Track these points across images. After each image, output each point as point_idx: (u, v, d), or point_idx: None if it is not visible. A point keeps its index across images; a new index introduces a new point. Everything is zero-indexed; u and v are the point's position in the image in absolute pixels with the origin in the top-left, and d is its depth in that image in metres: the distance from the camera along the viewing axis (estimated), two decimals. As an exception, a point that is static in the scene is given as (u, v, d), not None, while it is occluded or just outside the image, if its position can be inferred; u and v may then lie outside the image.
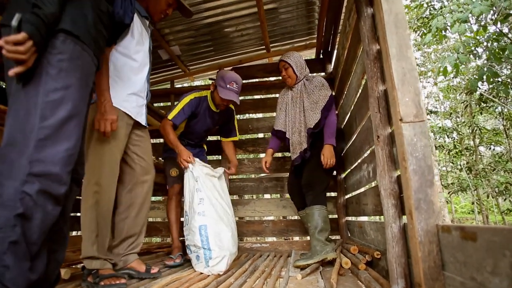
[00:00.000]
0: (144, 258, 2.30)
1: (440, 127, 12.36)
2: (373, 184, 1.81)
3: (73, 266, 1.83)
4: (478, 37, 4.48)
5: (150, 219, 4.54)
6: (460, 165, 12.56)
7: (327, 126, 2.19)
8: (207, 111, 2.33)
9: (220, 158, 3.07)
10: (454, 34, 4.13)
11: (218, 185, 2.04)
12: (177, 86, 3.68)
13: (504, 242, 0.66)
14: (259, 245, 2.86)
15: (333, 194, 2.96)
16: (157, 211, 3.22)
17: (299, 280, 1.57)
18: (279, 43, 3.21)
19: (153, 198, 3.24)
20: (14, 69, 0.86)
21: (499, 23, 4.31)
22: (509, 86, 4.97)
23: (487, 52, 4.30)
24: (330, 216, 2.75)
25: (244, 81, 3.29)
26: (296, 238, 3.04)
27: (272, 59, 3.36)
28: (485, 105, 9.12)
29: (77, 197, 1.25)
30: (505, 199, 10.66)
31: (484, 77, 4.01)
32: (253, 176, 4.13)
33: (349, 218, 2.70)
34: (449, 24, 4.12)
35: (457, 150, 12.05)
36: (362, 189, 2.11)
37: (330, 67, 3.06)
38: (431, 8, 7.92)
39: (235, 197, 3.17)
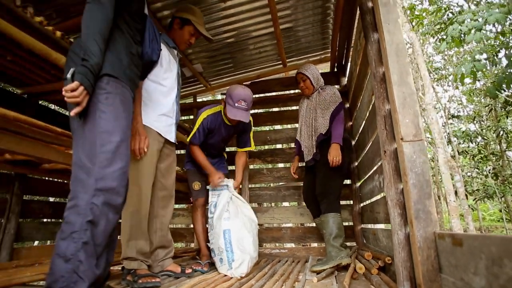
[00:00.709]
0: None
1: (463, 132, 12.03)
2: (384, 194, 1.93)
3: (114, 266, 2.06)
4: (499, 40, 4.44)
5: (174, 226, 4.77)
6: (486, 171, 12.14)
7: (334, 128, 2.33)
8: (222, 125, 2.39)
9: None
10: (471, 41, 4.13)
11: (239, 196, 2.24)
12: (199, 100, 3.92)
13: (480, 247, 0.79)
14: (278, 251, 3.00)
15: (348, 202, 3.06)
16: (181, 218, 3.43)
17: (315, 283, 1.71)
18: (294, 57, 3.39)
19: (177, 206, 3.47)
20: (73, 110, 1.09)
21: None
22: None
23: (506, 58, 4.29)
24: (346, 224, 2.88)
25: (261, 95, 3.50)
26: (314, 244, 3.15)
27: (288, 73, 3.53)
28: (511, 108, 8.84)
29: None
30: (535, 207, 10.21)
31: (504, 84, 4.01)
32: (271, 185, 4.28)
33: (364, 226, 2.80)
34: (464, 32, 4.15)
35: (482, 155, 11.68)
36: (375, 198, 2.23)
37: (344, 80, 3.19)
38: (449, 13, 7.87)
39: (255, 205, 3.34)
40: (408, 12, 9.04)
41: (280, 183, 3.28)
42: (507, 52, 4.32)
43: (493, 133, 11.22)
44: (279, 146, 4.16)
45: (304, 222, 3.16)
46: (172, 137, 1.95)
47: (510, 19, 4.13)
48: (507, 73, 4.06)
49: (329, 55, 3.34)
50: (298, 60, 3.43)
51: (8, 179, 2.08)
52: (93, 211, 1.04)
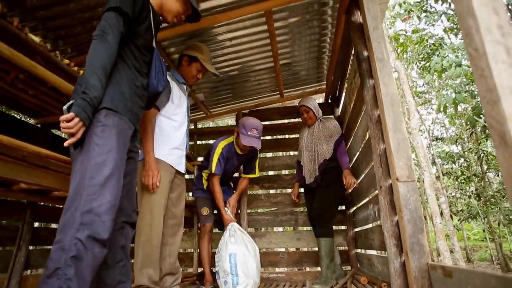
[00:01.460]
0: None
1: (447, 153, 12.49)
2: (378, 222, 2.09)
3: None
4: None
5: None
6: (469, 192, 12.54)
7: (341, 157, 2.63)
8: (235, 155, 2.69)
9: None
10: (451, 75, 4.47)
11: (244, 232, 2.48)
12: (199, 126, 4.07)
13: (466, 279, 0.95)
14: (275, 275, 3.09)
15: (343, 227, 3.21)
16: (181, 242, 3.48)
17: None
18: (291, 89, 3.61)
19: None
20: (68, 140, 1.10)
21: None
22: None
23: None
24: (341, 248, 3.02)
25: (259, 123, 3.69)
26: (310, 269, 3.26)
27: (285, 103, 3.75)
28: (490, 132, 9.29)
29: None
30: (516, 227, 10.55)
31: (482, 114, 4.33)
32: (269, 210, 4.40)
33: (359, 250, 2.94)
34: (445, 66, 4.50)
35: (465, 177, 12.09)
36: (370, 226, 2.39)
37: (338, 111, 3.42)
38: (431, 44, 8.39)
39: (252, 229, 3.44)
40: (394, 40, 9.58)
41: (273, 208, 3.40)
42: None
43: (475, 155, 11.67)
44: (276, 173, 4.33)
45: (300, 247, 3.27)
46: (182, 168, 2.08)
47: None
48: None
49: (323, 86, 3.58)
50: (294, 91, 3.66)
51: (21, 207, 2.14)
52: (77, 247, 1.02)
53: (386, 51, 1.58)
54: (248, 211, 3.30)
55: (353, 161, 2.73)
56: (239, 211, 3.23)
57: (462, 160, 12.50)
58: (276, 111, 3.62)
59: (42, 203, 2.31)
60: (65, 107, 1.11)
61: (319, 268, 3.13)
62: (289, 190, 3.29)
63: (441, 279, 1.14)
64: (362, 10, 1.79)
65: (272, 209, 3.37)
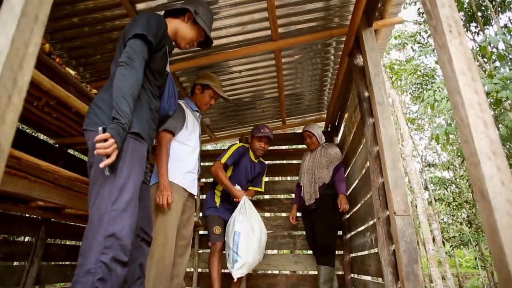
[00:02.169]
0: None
1: (439, 179, 12.72)
2: (375, 250, 2.21)
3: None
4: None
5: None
6: (461, 218, 12.69)
7: (339, 183, 2.82)
8: (249, 161, 2.87)
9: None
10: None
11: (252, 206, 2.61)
12: (203, 149, 4.22)
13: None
14: (273, 298, 3.16)
15: (339, 252, 3.32)
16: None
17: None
18: (293, 117, 3.81)
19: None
20: (104, 161, 1.13)
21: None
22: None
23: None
24: (337, 273, 3.12)
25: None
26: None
27: (286, 130, 3.94)
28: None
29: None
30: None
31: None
32: (268, 232, 4.50)
33: (354, 276, 3.04)
34: (437, 100, 4.75)
35: (456, 203, 12.27)
36: (367, 252, 2.52)
37: (337, 140, 3.60)
38: (424, 75, 8.77)
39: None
40: (388, 69, 10.00)
41: (271, 232, 3.51)
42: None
43: (466, 182, 11.90)
44: (276, 196, 4.45)
45: (297, 270, 3.36)
46: (195, 191, 2.19)
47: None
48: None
49: (323, 116, 3.79)
50: (296, 118, 3.86)
51: (36, 224, 2.23)
52: (102, 269, 1.09)
53: (386, 95, 1.77)
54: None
55: (351, 189, 2.88)
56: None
57: (453, 186, 12.73)
58: (278, 137, 3.79)
59: (54, 220, 2.40)
60: (100, 128, 1.14)
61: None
62: (289, 214, 3.41)
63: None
64: (364, 56, 2.00)
65: (271, 232, 3.47)
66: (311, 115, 3.84)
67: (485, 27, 8.27)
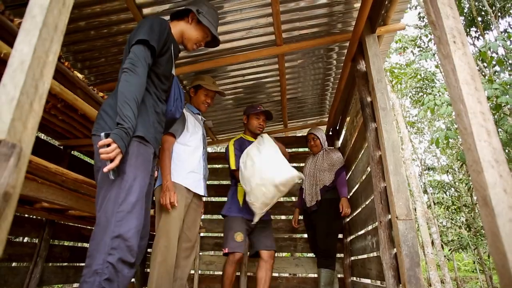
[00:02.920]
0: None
1: (438, 182, 12.75)
2: (376, 253, 2.24)
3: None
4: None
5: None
6: (460, 222, 12.72)
7: (341, 186, 2.85)
8: (248, 144, 2.64)
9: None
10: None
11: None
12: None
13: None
14: (273, 300, 3.17)
15: (339, 255, 3.34)
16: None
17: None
18: (295, 120, 3.84)
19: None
20: (107, 166, 1.15)
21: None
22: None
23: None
24: (338, 276, 3.14)
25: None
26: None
27: (288, 133, 3.96)
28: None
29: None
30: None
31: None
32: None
33: (355, 279, 3.06)
34: (437, 104, 4.79)
35: (455, 207, 12.30)
36: (367, 255, 2.53)
37: (338, 143, 3.63)
38: (424, 79, 8.82)
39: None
40: (389, 73, 10.05)
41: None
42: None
43: (465, 186, 11.93)
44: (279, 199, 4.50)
45: (298, 273, 3.38)
46: (201, 191, 2.18)
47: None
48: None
49: (325, 119, 3.82)
50: (297, 122, 3.89)
51: (40, 225, 2.25)
52: (109, 270, 1.11)
53: (389, 101, 1.80)
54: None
55: (352, 192, 2.90)
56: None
57: (452, 190, 12.76)
58: (280, 140, 3.81)
59: (58, 221, 2.42)
60: (102, 133, 1.17)
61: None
62: (290, 217, 3.43)
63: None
64: (367, 61, 2.03)
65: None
66: (312, 119, 3.86)
67: (485, 31, 8.33)
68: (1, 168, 0.60)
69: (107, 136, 1.17)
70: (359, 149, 2.62)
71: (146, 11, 2.08)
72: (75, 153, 2.84)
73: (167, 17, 1.82)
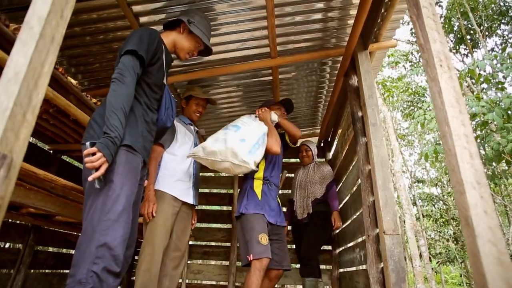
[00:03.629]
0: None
1: (427, 195, 12.91)
2: (364, 266, 2.25)
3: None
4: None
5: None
6: (448, 235, 12.85)
7: (333, 199, 2.85)
8: None
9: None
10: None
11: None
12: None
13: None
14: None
15: (328, 267, 3.34)
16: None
17: None
18: (287, 130, 3.86)
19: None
20: (93, 175, 1.15)
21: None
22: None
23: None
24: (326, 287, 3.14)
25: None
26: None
27: (280, 143, 3.99)
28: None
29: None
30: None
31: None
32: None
33: (343, 291, 3.06)
34: (427, 119, 4.89)
35: (443, 220, 12.45)
36: (355, 268, 2.55)
37: (330, 155, 3.66)
38: (415, 93, 9.00)
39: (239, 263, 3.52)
40: (381, 86, 10.23)
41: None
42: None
43: (453, 199, 12.09)
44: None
45: (286, 284, 3.36)
46: (190, 200, 2.18)
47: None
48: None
49: (317, 131, 3.86)
50: (290, 132, 3.91)
51: (25, 230, 2.20)
52: (93, 279, 1.09)
53: (379, 117, 1.84)
54: (237, 244, 3.40)
55: (342, 204, 2.93)
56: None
57: (441, 203, 12.92)
58: (272, 150, 3.84)
59: (44, 227, 2.38)
60: (87, 142, 1.19)
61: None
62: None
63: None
64: (359, 77, 2.07)
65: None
66: (305, 130, 3.90)
67: (473, 49, 8.58)
68: (-9, 179, 0.60)
69: (92, 145, 1.18)
70: (350, 162, 2.66)
71: (143, 19, 2.09)
72: (66, 158, 2.81)
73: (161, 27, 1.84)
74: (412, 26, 1.12)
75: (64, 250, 4.27)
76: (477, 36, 8.00)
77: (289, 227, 3.15)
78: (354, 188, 2.53)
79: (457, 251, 11.22)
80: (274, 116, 2.42)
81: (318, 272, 2.73)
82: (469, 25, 8.10)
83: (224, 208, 4.13)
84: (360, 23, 1.93)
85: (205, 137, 3.76)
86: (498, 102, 4.24)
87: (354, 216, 2.45)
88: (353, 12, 2.12)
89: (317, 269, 2.73)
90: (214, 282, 3.48)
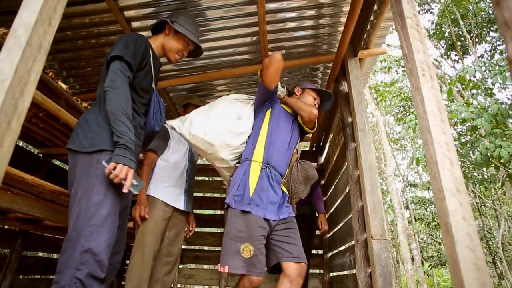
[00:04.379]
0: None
1: (420, 199, 13.03)
2: (353, 271, 2.27)
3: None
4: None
5: None
6: (440, 238, 12.96)
7: (318, 199, 2.84)
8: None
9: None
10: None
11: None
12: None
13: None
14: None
15: (320, 271, 3.35)
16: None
17: None
18: (280, 134, 3.88)
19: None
20: (125, 186, 1.19)
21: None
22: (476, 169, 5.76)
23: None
24: (317, 292, 3.15)
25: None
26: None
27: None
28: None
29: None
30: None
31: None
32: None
33: (334, 295, 3.07)
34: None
35: (436, 223, 12.57)
36: (345, 272, 2.56)
37: (321, 159, 3.69)
38: (407, 99, 9.12)
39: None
40: (374, 90, 10.34)
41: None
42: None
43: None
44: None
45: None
46: (181, 206, 2.18)
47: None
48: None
49: (309, 135, 3.88)
50: (282, 136, 3.93)
51: (12, 235, 2.18)
52: (77, 286, 1.08)
53: (368, 122, 1.87)
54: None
55: (333, 208, 2.95)
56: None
57: (433, 206, 13.03)
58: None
59: (32, 232, 2.35)
60: (104, 162, 1.19)
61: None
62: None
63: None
64: (349, 83, 2.11)
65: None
66: (297, 134, 3.92)
67: (464, 56, 8.74)
68: (-26, 187, 0.60)
69: (109, 161, 1.19)
70: (340, 167, 2.68)
71: (135, 24, 2.10)
72: (56, 161, 2.79)
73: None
74: (398, 36, 1.14)
75: (54, 255, 4.21)
76: (467, 42, 8.16)
77: None
78: (345, 193, 2.55)
79: (449, 255, 11.28)
80: (281, 89, 2.00)
81: (306, 279, 2.73)
82: (460, 32, 8.26)
83: (218, 212, 4.13)
84: (349, 31, 1.96)
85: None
86: (486, 108, 4.32)
87: (345, 220, 2.47)
88: (344, 19, 2.16)
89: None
90: (205, 287, 3.46)
